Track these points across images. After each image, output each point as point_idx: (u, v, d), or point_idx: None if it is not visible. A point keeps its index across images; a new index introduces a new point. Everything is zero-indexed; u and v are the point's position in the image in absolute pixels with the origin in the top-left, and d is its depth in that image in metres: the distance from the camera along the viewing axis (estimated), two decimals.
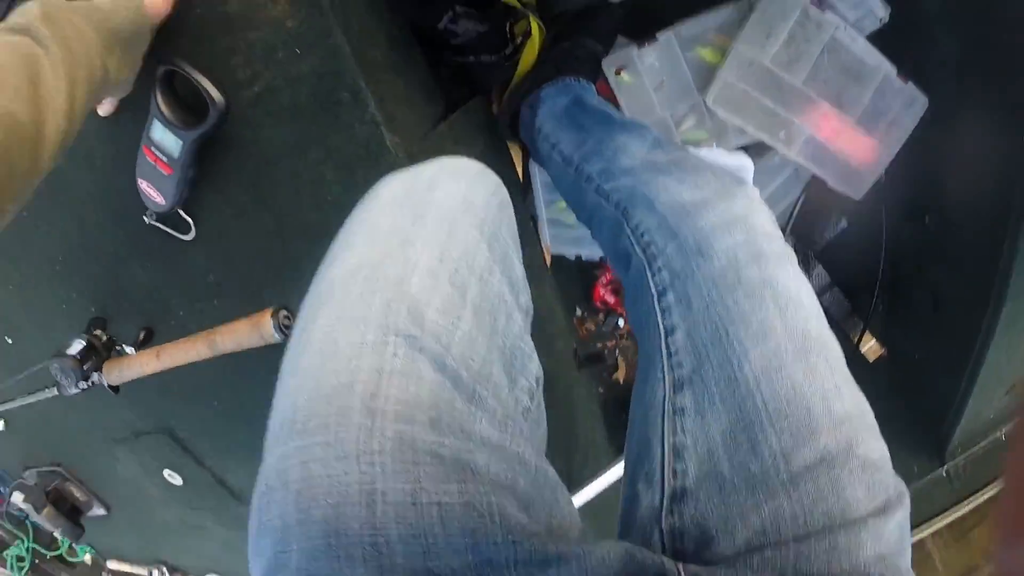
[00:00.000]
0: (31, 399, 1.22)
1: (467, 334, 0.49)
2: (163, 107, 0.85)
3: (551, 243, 1.25)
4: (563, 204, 1.27)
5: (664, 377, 0.61)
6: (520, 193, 1.25)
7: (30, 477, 1.69)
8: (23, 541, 1.79)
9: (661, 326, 0.64)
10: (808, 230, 1.46)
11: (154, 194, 0.95)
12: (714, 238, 0.66)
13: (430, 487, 0.41)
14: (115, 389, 1.10)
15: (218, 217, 0.98)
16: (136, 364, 1.00)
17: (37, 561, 1.86)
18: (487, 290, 0.53)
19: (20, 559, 1.79)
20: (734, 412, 0.56)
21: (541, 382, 0.58)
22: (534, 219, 1.25)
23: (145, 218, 1.00)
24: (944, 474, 1.38)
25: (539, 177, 1.22)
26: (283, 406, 0.45)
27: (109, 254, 1.11)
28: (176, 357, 0.96)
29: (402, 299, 0.48)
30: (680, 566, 0.48)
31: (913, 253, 1.29)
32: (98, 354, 1.12)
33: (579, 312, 1.32)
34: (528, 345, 0.57)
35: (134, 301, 1.16)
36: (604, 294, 1.31)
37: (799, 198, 1.36)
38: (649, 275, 0.68)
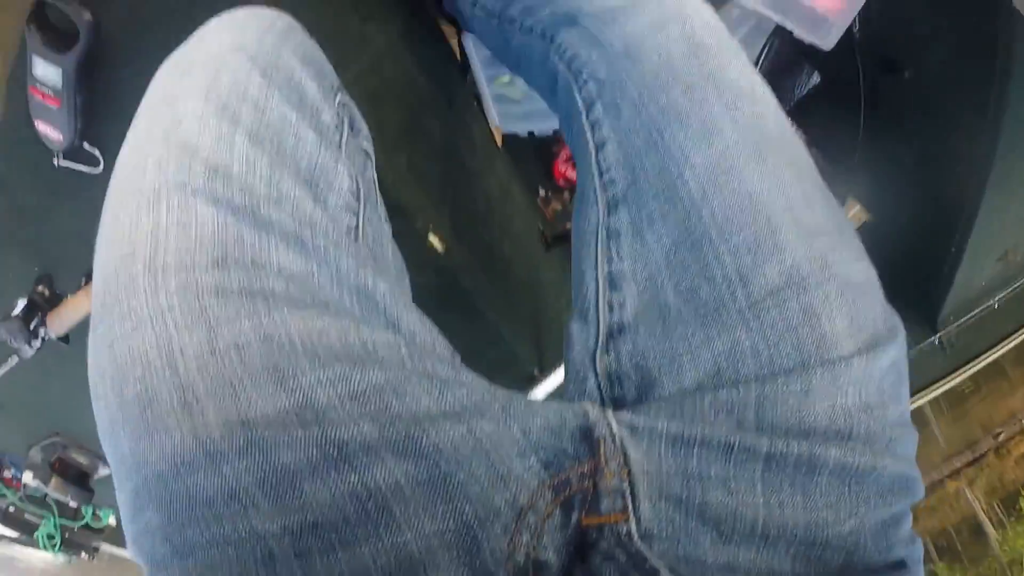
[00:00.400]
0: None
1: (245, 159, 0.45)
2: (37, 40, 0.82)
3: (500, 121, 1.16)
4: (506, 78, 1.18)
5: (598, 200, 0.53)
6: (460, 74, 1.16)
7: (35, 454, 1.69)
8: (49, 519, 1.80)
9: (591, 143, 0.55)
10: (777, 86, 1.35)
11: (51, 131, 0.93)
12: (644, 38, 0.56)
13: (224, 330, 0.38)
14: (64, 339, 1.07)
15: (121, 140, 0.91)
16: (71, 307, 0.98)
17: (67, 535, 1.86)
18: (265, 116, 0.48)
19: (50, 537, 1.80)
20: (678, 229, 0.47)
21: (363, 195, 0.52)
22: (478, 98, 1.16)
23: (54, 161, 0.97)
24: (937, 343, 1.33)
25: (476, 53, 1.12)
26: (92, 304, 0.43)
27: (34, 208, 1.08)
28: None
29: (170, 150, 0.44)
30: (610, 414, 0.41)
31: (894, 108, 1.19)
32: (42, 309, 1.08)
33: (543, 192, 1.25)
34: (334, 160, 0.51)
35: (71, 249, 1.12)
36: (565, 170, 1.24)
37: (763, 51, 1.26)
38: (576, 90, 0.59)
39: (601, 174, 0.53)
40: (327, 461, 0.36)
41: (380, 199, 0.58)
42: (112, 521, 1.98)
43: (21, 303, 1.08)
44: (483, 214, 0.94)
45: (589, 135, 0.56)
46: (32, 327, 1.08)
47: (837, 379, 0.41)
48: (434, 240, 0.71)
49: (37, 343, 1.10)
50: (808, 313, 0.42)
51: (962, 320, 1.31)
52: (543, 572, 0.37)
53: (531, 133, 1.21)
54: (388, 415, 0.38)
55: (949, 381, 1.42)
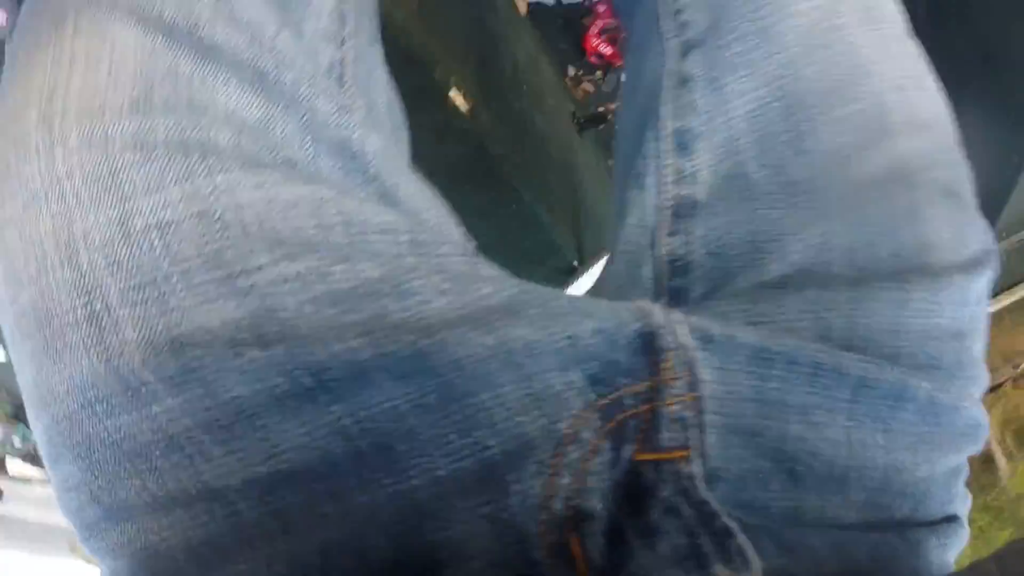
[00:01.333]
0: None
1: None
2: None
3: None
4: None
5: (665, 42, 0.43)
6: None
7: None
8: None
9: None
10: None
11: None
12: None
13: (144, 203, 0.28)
14: None
15: None
16: None
17: None
18: None
19: None
20: (768, 85, 0.39)
21: (352, 21, 0.40)
22: None
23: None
24: None
25: None
26: None
27: None
28: None
29: None
30: (678, 318, 0.32)
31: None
32: None
33: (572, 72, 1.12)
34: None
35: None
36: (598, 45, 1.10)
37: None
38: None
39: (676, 12, 0.43)
40: (299, 392, 0.27)
41: (378, 32, 0.46)
42: None
43: None
44: (511, 79, 0.82)
45: None
46: None
47: (936, 295, 0.35)
48: (456, 97, 0.60)
49: None
50: (912, 214, 0.36)
51: (1015, 236, 1.21)
52: (586, 526, 0.29)
53: (558, 1, 1.07)
54: (385, 324, 0.28)
55: (994, 304, 1.32)
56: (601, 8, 1.09)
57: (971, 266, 0.37)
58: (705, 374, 0.31)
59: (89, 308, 0.27)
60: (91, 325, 0.27)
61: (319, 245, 0.29)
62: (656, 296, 0.40)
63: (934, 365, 0.36)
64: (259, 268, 0.28)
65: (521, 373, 0.29)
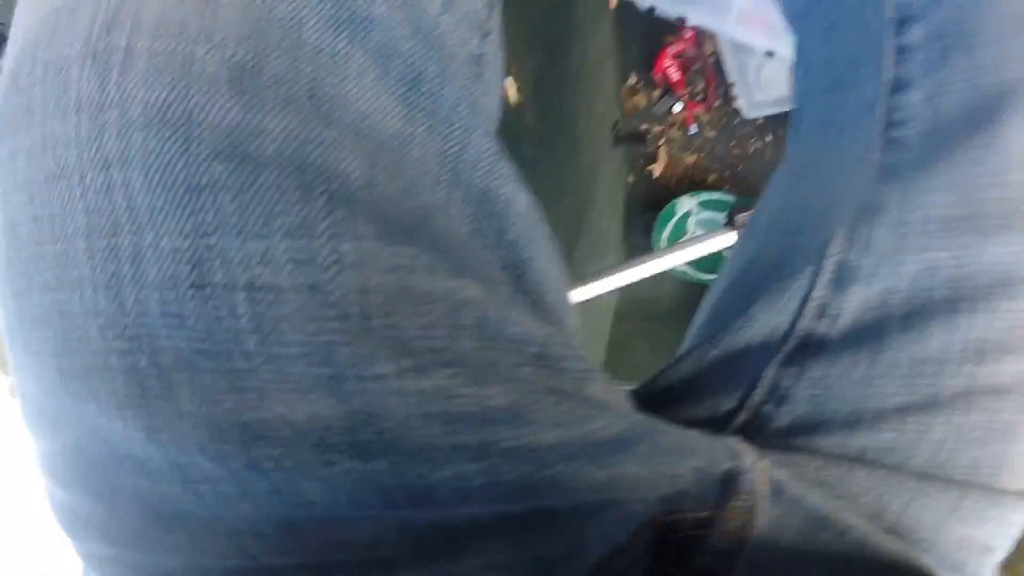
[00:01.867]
0: None
1: None
2: None
3: None
4: None
5: (868, 152, 0.37)
6: None
7: None
8: None
9: None
10: None
11: None
12: None
13: (231, 247, 0.21)
14: None
15: None
16: None
17: None
18: None
19: None
20: (950, 248, 0.34)
21: (497, 4, 0.32)
22: None
23: None
24: None
25: None
26: None
27: None
28: None
29: None
30: (763, 466, 0.31)
31: None
32: None
33: (633, 80, 1.09)
34: None
35: None
36: (668, 66, 1.07)
37: None
38: None
39: (890, 124, 0.37)
40: (391, 506, 0.25)
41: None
42: None
43: None
44: (574, 76, 0.79)
45: None
46: None
47: (986, 511, 0.35)
48: (510, 88, 0.58)
49: None
50: (1008, 433, 0.35)
51: None
52: None
53: (651, 9, 1.04)
54: (498, 451, 0.25)
55: None
56: (687, 34, 1.06)
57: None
58: (761, 521, 0.31)
59: (130, 360, 0.21)
60: (131, 382, 0.21)
61: (448, 355, 0.24)
62: (739, 404, 0.38)
63: (956, 569, 0.36)
64: (378, 378, 0.23)
65: (613, 499, 0.29)
